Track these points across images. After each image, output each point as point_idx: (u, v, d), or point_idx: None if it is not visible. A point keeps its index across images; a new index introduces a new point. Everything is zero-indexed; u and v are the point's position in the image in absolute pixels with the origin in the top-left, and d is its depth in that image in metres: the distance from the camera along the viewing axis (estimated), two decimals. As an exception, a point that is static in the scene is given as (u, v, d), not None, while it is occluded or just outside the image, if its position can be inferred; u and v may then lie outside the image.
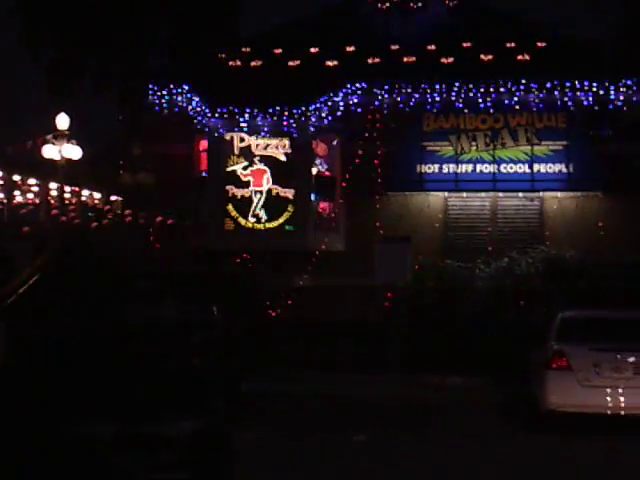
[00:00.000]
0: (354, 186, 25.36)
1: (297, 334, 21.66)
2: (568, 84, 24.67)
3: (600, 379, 14.81)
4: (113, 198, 37.51)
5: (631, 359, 14.89)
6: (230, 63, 27.18)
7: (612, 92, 24.58)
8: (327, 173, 26.22)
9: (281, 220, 25.62)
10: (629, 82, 24.47)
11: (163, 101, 26.05)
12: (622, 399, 14.73)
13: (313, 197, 25.82)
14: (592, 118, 24.74)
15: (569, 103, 24.85)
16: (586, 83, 24.63)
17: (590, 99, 24.71)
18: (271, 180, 25.87)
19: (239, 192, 25.95)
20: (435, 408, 16.86)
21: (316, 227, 25.70)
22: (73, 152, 29.45)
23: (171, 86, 25.91)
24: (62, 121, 29.56)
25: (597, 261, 22.07)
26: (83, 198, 39.84)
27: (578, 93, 24.76)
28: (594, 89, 24.69)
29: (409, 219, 25.36)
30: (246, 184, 25.96)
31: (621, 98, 24.61)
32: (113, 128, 31.72)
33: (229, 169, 25.99)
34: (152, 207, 27.51)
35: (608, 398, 14.73)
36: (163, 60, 26.49)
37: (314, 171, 26.00)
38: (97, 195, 41.34)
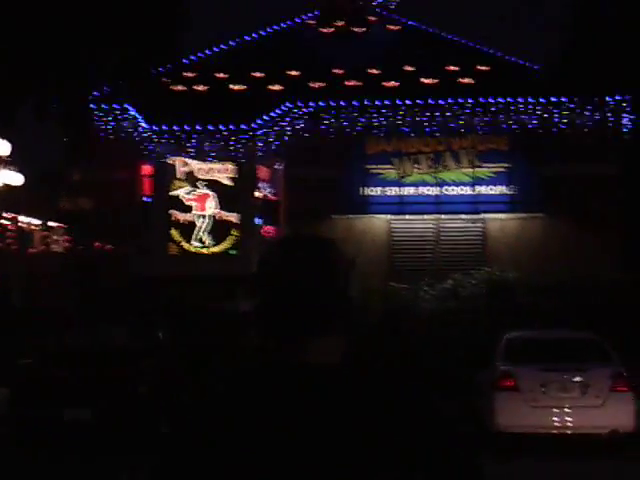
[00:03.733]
0: (298, 210, 25.35)
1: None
2: (512, 107, 25.01)
3: (547, 399, 14.92)
4: (53, 224, 37.09)
5: (577, 378, 15.03)
6: (174, 88, 27.10)
7: (555, 114, 24.96)
8: (271, 197, 26.21)
9: (226, 244, 25.56)
10: (572, 105, 24.87)
11: (108, 126, 25.92)
12: (569, 419, 14.85)
13: (257, 221, 25.78)
14: (534, 140, 25.03)
15: (514, 126, 25.15)
16: (529, 106, 25.01)
17: (534, 122, 25.04)
18: (215, 204, 25.79)
19: (183, 217, 25.84)
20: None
21: (260, 251, 25.59)
22: (14, 179, 29.11)
23: (116, 111, 25.80)
24: (2, 147, 29.21)
25: (540, 282, 22.23)
26: (21, 224, 39.30)
27: (522, 116, 25.10)
28: (538, 112, 25.05)
29: (353, 242, 25.36)
30: (190, 208, 25.86)
31: (564, 120, 24.97)
32: (55, 153, 31.47)
33: (173, 194, 25.88)
34: (93, 233, 27.28)
35: (555, 418, 14.84)
36: (106, 85, 26.32)
37: (258, 195, 25.98)
38: (36, 221, 40.84)
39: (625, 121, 25.07)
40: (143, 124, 25.72)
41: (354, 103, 25.46)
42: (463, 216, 25.79)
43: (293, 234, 2.73)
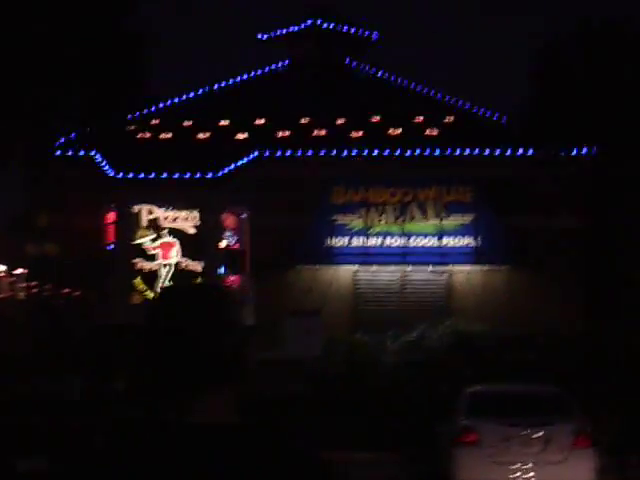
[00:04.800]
0: (263, 259, 25.18)
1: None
2: (475, 159, 25.06)
3: (509, 454, 14.75)
4: (19, 270, 36.75)
5: (540, 434, 14.88)
6: (139, 135, 26.99)
7: (516, 167, 25.03)
8: (236, 246, 26.05)
9: (189, 293, 25.30)
10: (536, 158, 24.97)
11: (71, 172, 25.73)
12: (531, 475, 14.67)
13: (222, 270, 25.59)
14: (500, 192, 25.02)
15: (476, 177, 25.15)
16: (495, 158, 25.09)
17: (495, 173, 25.06)
18: (180, 253, 25.61)
19: (147, 265, 25.62)
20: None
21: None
22: (-23, 223, 28.82)
23: (80, 156, 25.63)
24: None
25: (506, 334, 22.18)
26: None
27: (484, 167, 25.12)
28: (499, 164, 25.12)
29: (319, 292, 25.26)
30: (154, 257, 25.66)
31: (524, 173, 25.01)
32: (19, 199, 31.20)
33: (137, 242, 25.67)
34: (58, 281, 27.01)
35: (517, 474, 14.66)
36: (71, 131, 26.19)
37: (223, 244, 25.82)
38: (2, 267, 40.47)
39: (589, 174, 25.17)
40: (108, 171, 25.56)
41: (320, 153, 25.45)
42: (429, 267, 25.69)
43: (179, 285, 2.64)
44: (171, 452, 2.24)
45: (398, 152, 25.48)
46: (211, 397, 2.32)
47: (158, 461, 2.24)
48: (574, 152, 25.25)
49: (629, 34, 27.01)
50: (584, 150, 25.25)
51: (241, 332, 2.40)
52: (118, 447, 2.31)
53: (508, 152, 25.31)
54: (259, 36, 30.08)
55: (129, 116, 27.22)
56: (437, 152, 25.36)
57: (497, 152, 25.34)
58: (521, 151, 25.30)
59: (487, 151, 25.31)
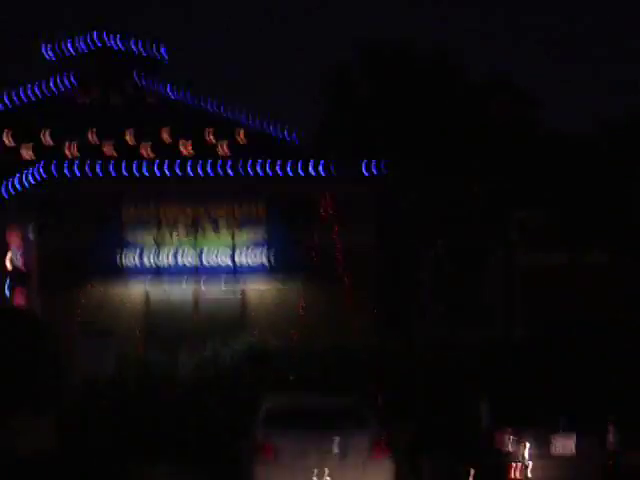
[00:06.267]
0: (52, 277, 24.58)
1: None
2: (269, 176, 25.33)
3: (307, 467, 14.79)
4: None
5: (336, 445, 14.99)
6: None
7: (307, 184, 25.46)
8: (23, 264, 25.35)
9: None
10: (327, 175, 25.45)
11: None
12: (329, 484, 14.77)
13: (7, 289, 24.88)
14: (293, 209, 25.31)
15: (268, 193, 25.39)
16: (285, 175, 25.40)
17: (287, 190, 25.37)
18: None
19: None
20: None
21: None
22: None
23: None
24: None
25: (300, 349, 22.33)
26: None
27: (275, 184, 25.39)
28: (290, 180, 25.43)
29: (111, 310, 24.84)
30: None
31: (316, 190, 25.42)
32: None
33: None
34: None
35: (316, 484, 14.72)
36: None
37: (8, 262, 25.11)
38: None
39: (376, 193, 25.84)
40: None
41: (109, 170, 25.16)
42: (223, 284, 25.66)
43: None
44: None
45: (189, 169, 25.42)
46: None
47: None
48: (362, 171, 25.80)
49: (412, 55, 27.81)
50: (372, 170, 25.83)
51: None
52: None
53: (299, 169, 25.65)
54: (47, 56, 29.61)
55: None
56: (228, 168, 25.46)
57: (288, 169, 25.63)
58: (311, 169, 25.68)
59: (278, 168, 25.58)
